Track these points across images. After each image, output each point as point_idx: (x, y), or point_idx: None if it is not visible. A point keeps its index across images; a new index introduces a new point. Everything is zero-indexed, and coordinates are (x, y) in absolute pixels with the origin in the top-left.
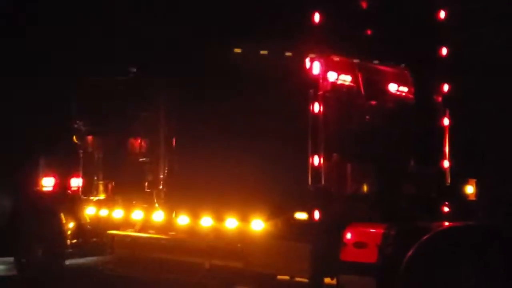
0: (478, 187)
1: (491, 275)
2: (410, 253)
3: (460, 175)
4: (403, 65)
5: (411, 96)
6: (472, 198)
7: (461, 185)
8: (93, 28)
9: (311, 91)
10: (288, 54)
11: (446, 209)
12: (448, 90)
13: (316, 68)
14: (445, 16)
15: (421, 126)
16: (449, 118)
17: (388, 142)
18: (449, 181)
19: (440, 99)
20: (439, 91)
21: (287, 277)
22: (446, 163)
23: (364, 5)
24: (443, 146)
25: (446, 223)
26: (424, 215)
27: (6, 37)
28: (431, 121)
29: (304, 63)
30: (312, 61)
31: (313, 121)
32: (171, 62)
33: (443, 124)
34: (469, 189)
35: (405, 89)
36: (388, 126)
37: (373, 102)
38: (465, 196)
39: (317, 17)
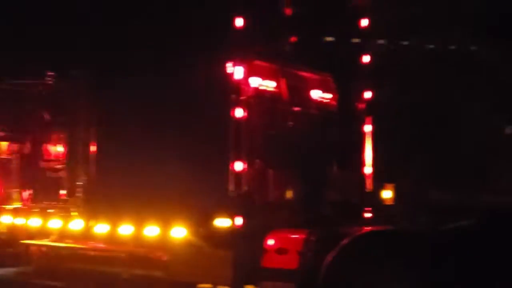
0: (397, 192)
1: (409, 278)
2: (329, 258)
3: (380, 181)
4: (326, 72)
5: (334, 102)
6: (390, 203)
7: (380, 190)
8: (8, 29)
9: (233, 96)
10: (211, 58)
11: (368, 214)
12: (371, 97)
13: (238, 73)
14: (367, 25)
15: (344, 132)
16: (372, 125)
17: (311, 148)
18: (371, 187)
19: (362, 105)
20: (361, 98)
21: (209, 285)
22: (368, 169)
23: (288, 11)
24: (365, 152)
25: (366, 228)
26: (346, 221)
27: None
28: (354, 127)
29: (225, 68)
30: (234, 65)
31: (235, 127)
32: (92, 66)
33: (365, 130)
34: (387, 194)
35: (328, 95)
36: (311, 132)
37: (297, 108)
38: (385, 201)
39: (239, 22)
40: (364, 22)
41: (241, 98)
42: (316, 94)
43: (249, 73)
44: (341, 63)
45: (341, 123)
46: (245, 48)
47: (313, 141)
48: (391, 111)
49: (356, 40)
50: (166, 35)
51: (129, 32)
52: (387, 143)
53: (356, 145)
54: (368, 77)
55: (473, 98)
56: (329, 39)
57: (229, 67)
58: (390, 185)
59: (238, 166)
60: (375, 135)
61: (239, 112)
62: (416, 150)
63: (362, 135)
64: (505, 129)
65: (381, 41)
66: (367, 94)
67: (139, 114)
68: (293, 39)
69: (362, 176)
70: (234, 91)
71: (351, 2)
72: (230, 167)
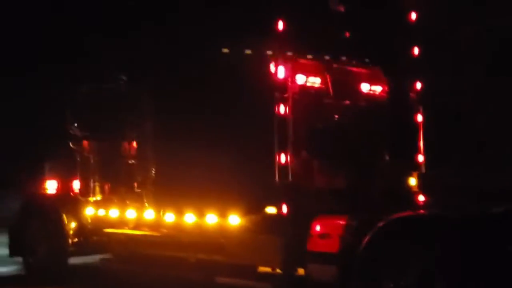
0: (419, 179)
1: (438, 261)
2: (365, 241)
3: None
4: (376, 65)
5: (384, 94)
6: (416, 190)
7: (405, 177)
8: (86, 38)
9: (276, 94)
10: (254, 57)
11: (414, 201)
12: (421, 87)
13: (281, 72)
14: (416, 17)
15: (395, 122)
16: (422, 115)
17: (359, 139)
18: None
19: (413, 96)
20: (412, 89)
21: (268, 269)
22: (420, 157)
23: (335, 7)
24: (417, 141)
25: (401, 213)
26: (391, 207)
27: None
28: (405, 117)
29: (269, 67)
30: (277, 65)
31: (279, 122)
32: (154, 72)
33: (417, 120)
34: (412, 182)
35: (378, 88)
36: (359, 123)
37: (343, 102)
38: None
39: (281, 25)
40: (413, 15)
41: (285, 95)
42: (365, 87)
43: (293, 71)
44: (391, 55)
45: (392, 114)
46: (288, 48)
47: (362, 132)
48: (441, 101)
49: (405, 33)
50: (213, 38)
51: (181, 37)
52: (436, 132)
53: (408, 135)
54: (418, 68)
55: None
56: (378, 32)
57: (272, 67)
58: (415, 173)
59: (283, 158)
60: (425, 124)
61: (282, 109)
62: (461, 138)
63: (414, 125)
64: None
65: (430, 33)
66: (418, 85)
67: (194, 114)
68: (340, 34)
69: (414, 164)
70: (277, 89)
71: None
72: (276, 160)
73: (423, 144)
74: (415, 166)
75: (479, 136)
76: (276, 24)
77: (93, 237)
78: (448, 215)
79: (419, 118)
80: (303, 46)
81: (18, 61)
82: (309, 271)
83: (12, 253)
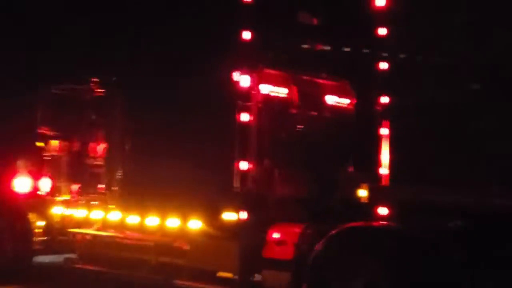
0: (371, 191)
1: (383, 272)
2: (316, 248)
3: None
4: (344, 78)
5: (351, 107)
6: (365, 201)
7: (355, 189)
8: (55, 38)
9: (239, 102)
10: (220, 68)
11: (376, 212)
12: (388, 102)
13: (245, 81)
14: (386, 33)
15: (359, 135)
16: (388, 128)
17: (322, 149)
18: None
19: (379, 109)
20: (378, 102)
21: (228, 274)
22: (383, 170)
23: (303, 20)
24: (380, 154)
25: (351, 223)
26: (350, 217)
27: None
28: (370, 130)
29: (232, 76)
30: (241, 74)
31: (241, 130)
32: (123, 74)
33: (381, 133)
34: (363, 193)
35: (345, 100)
36: (323, 134)
37: (308, 113)
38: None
39: (246, 35)
40: (381, 31)
41: (248, 104)
42: (331, 99)
43: (257, 81)
44: (359, 69)
45: (356, 126)
46: (253, 58)
47: (325, 143)
48: (406, 115)
49: (373, 48)
50: (180, 45)
51: (152, 44)
52: (401, 145)
53: (372, 147)
54: (385, 83)
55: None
56: (347, 47)
57: (236, 76)
58: (366, 185)
59: (243, 165)
60: (391, 137)
61: (244, 117)
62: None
63: (377, 138)
64: None
65: (398, 49)
66: (384, 99)
67: (161, 120)
68: (309, 46)
69: (377, 176)
70: (240, 98)
71: (367, 10)
72: (235, 167)
73: (390, 158)
74: (376, 178)
75: (441, 153)
76: (241, 34)
77: (59, 236)
78: (397, 228)
79: (384, 131)
80: (271, 57)
81: None
82: (265, 277)
83: None
